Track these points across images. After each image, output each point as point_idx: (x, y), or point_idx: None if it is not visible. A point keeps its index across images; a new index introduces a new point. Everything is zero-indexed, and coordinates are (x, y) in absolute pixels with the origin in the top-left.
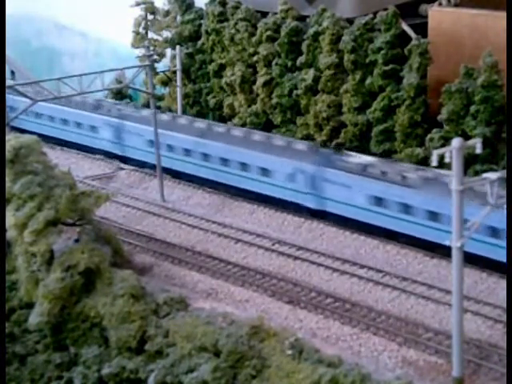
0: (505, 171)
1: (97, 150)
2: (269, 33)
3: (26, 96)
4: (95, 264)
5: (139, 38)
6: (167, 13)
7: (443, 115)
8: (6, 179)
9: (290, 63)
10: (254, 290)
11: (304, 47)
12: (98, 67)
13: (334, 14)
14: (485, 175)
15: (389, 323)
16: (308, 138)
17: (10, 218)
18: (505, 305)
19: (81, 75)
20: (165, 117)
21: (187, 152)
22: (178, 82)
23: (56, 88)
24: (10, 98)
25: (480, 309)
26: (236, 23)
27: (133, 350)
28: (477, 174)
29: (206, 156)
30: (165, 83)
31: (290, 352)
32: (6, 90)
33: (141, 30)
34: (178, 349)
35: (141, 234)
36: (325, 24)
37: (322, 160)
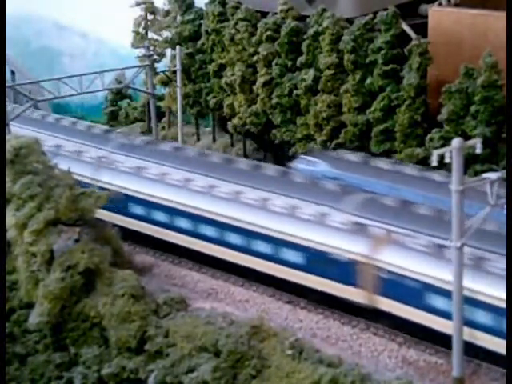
0: (505, 171)
1: None
2: (269, 33)
3: (25, 96)
4: (95, 264)
5: (139, 38)
6: (167, 13)
7: (443, 115)
8: (6, 179)
9: (290, 63)
10: (254, 290)
11: (304, 47)
12: (98, 67)
13: (333, 14)
14: (485, 175)
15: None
16: (308, 137)
17: (10, 218)
18: None
19: (81, 75)
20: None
21: None
22: (178, 82)
23: (56, 88)
24: None
25: None
26: (236, 23)
27: (133, 350)
28: (477, 174)
29: None
30: (165, 83)
31: (289, 352)
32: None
33: (141, 30)
34: (178, 349)
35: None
36: (325, 24)
37: None
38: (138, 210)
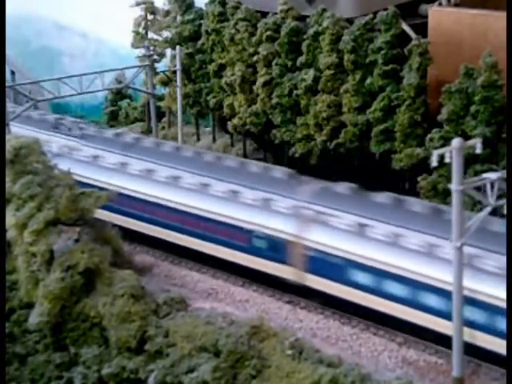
0: (505, 171)
1: None
2: (269, 33)
3: (25, 96)
4: (95, 264)
5: (139, 38)
6: (167, 13)
7: (443, 115)
8: (6, 179)
9: (290, 63)
10: (254, 290)
11: (304, 47)
12: (98, 67)
13: (334, 14)
14: (485, 175)
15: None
16: (308, 137)
17: (10, 218)
18: None
19: (81, 75)
20: None
21: None
22: (178, 82)
23: (56, 88)
24: None
25: None
26: (236, 23)
27: (133, 350)
28: (477, 174)
29: None
30: (165, 83)
31: (289, 352)
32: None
33: (141, 30)
34: (178, 349)
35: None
36: (325, 24)
37: None
38: (363, 278)
